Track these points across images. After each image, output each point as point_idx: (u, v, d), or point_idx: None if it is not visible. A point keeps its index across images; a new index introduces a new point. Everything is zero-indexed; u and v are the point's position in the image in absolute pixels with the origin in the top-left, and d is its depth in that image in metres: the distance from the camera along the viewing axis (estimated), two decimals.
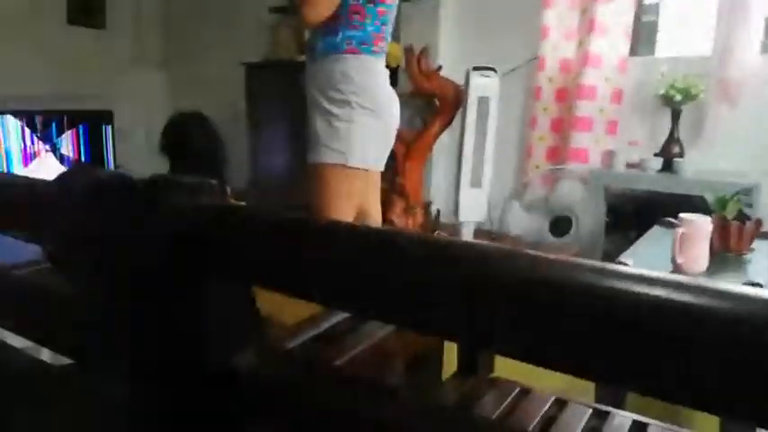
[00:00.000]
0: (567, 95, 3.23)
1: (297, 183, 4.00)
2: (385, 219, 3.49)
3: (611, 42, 3.08)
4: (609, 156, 3.04)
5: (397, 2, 1.82)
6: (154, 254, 0.53)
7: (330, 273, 0.44)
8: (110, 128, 4.65)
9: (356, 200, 1.81)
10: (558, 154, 3.27)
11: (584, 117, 3.09)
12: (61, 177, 0.57)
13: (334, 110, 1.71)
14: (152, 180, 0.56)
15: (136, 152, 4.93)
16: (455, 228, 3.45)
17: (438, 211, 3.67)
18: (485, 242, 0.47)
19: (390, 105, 1.77)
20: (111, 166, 4.71)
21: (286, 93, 3.92)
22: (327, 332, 0.80)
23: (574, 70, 3.20)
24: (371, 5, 1.68)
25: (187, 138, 1.92)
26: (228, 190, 2.05)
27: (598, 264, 0.39)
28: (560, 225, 2.52)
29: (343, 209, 1.77)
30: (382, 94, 1.74)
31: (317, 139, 1.76)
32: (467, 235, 3.36)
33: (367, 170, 1.77)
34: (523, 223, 2.61)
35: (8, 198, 0.66)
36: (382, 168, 1.85)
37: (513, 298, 0.38)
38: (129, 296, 0.57)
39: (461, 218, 3.33)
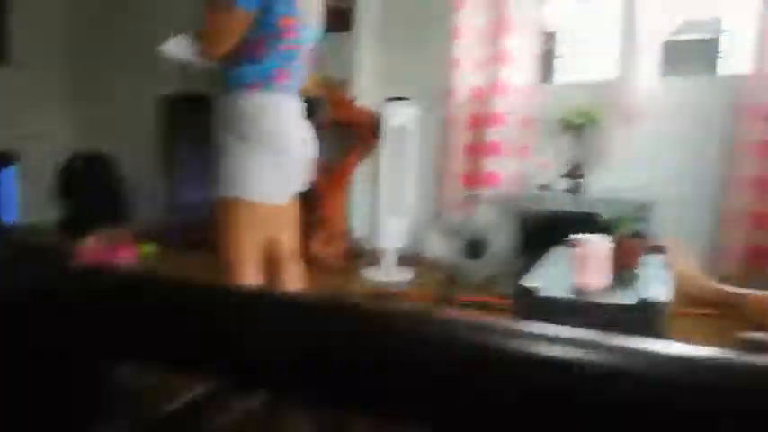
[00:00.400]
0: (479, 122, 3.35)
1: (211, 216, 3.90)
2: (308, 250, 3.46)
3: (519, 71, 3.24)
4: (520, 179, 3.17)
5: (313, 38, 1.82)
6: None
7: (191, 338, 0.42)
8: (12, 170, 4.39)
9: (261, 232, 1.78)
10: (473, 179, 3.37)
11: (495, 142, 3.21)
12: None
13: (231, 145, 1.70)
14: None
15: (43, 194, 4.67)
16: (377, 255, 3.45)
17: (359, 240, 3.67)
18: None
19: (292, 142, 1.76)
20: (14, 211, 4.43)
21: (200, 126, 3.85)
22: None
23: (484, 98, 3.32)
24: (273, 40, 1.67)
25: (84, 180, 1.86)
26: (131, 232, 1.99)
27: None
28: (475, 248, 2.58)
29: (244, 242, 1.76)
30: (282, 131, 1.73)
31: (217, 174, 1.75)
32: (388, 261, 3.37)
33: (266, 204, 1.76)
34: (442, 248, 2.66)
35: None
36: (286, 201, 1.83)
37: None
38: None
39: (382, 245, 3.35)
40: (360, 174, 3.62)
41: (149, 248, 2.11)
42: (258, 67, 1.66)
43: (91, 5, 4.75)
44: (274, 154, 1.71)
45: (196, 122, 3.92)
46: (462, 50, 3.36)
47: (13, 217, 4.44)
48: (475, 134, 3.37)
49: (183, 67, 4.14)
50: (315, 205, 3.52)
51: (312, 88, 3.72)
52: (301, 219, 3.54)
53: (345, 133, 3.59)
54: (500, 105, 3.23)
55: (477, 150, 3.35)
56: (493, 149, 3.21)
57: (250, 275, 1.78)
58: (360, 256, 3.54)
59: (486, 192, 2.99)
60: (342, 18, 3.61)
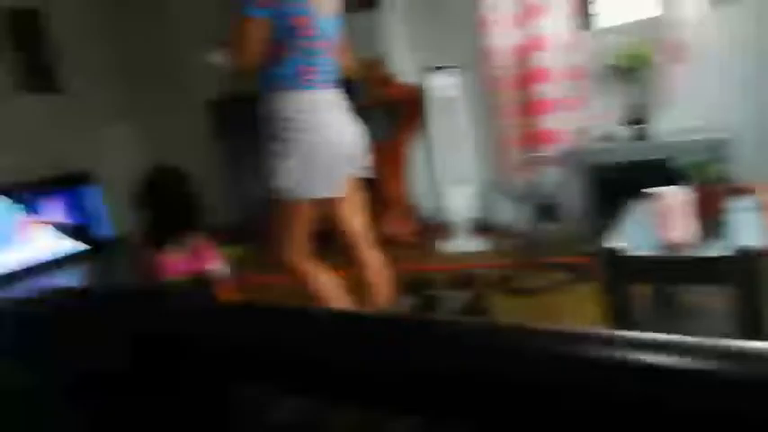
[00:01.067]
0: (525, 80, 3.26)
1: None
2: (382, 232, 3.51)
3: (556, 21, 3.12)
4: (580, 133, 3.08)
5: (334, 29, 1.86)
6: (115, 360, 0.55)
7: (326, 366, 0.46)
8: (91, 188, 4.65)
9: (307, 223, 1.88)
10: (531, 139, 3.30)
11: (546, 99, 3.12)
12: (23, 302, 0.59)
13: (272, 146, 1.78)
14: (143, 290, 0.59)
15: (119, 207, 4.92)
16: (447, 226, 3.46)
17: (428, 214, 3.70)
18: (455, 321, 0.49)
19: (331, 134, 1.80)
20: (100, 224, 4.70)
21: (247, 123, 3.93)
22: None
23: (525, 54, 3.22)
24: (291, 41, 1.71)
25: (161, 193, 1.96)
26: (211, 239, 2.08)
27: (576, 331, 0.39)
28: (546, 210, 2.55)
29: (297, 239, 1.87)
30: (317, 126, 1.77)
31: (265, 176, 1.85)
32: (460, 233, 3.37)
33: (313, 199, 1.83)
34: (511, 214, 2.64)
35: None
36: (336, 192, 1.89)
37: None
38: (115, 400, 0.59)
39: (451, 216, 3.36)
40: (415, 148, 3.62)
41: (235, 251, 2.19)
42: (283, 68, 1.72)
43: (132, 24, 4.89)
44: (313, 150, 1.76)
45: (249, 123, 4.03)
46: (494, 8, 3.26)
47: (108, 232, 4.72)
48: (523, 93, 3.29)
49: (229, 73, 4.23)
50: (378, 188, 3.56)
51: (348, 71, 3.73)
52: (369, 203, 3.60)
53: (391, 111, 3.58)
54: (543, 60, 3.13)
55: (529, 109, 3.28)
56: (545, 106, 3.13)
57: (310, 272, 1.86)
58: (432, 230, 3.56)
59: (547, 151, 2.93)
60: None
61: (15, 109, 4.49)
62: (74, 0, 4.82)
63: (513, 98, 3.31)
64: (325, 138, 1.78)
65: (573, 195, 2.54)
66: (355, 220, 1.98)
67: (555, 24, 3.12)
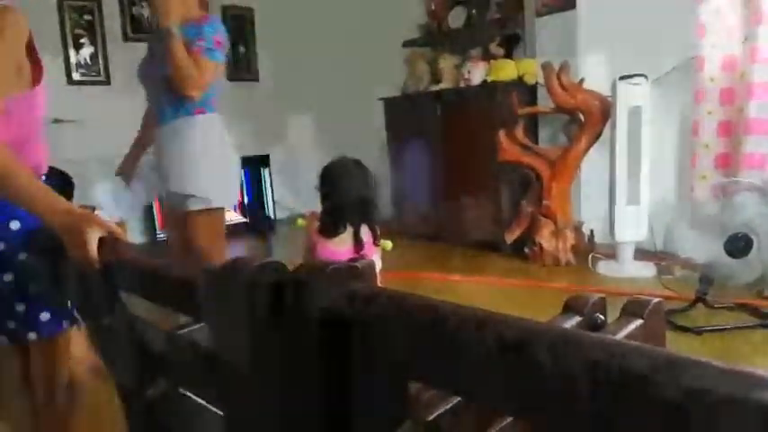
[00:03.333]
0: (735, 96, 2.89)
1: (438, 213, 4.04)
2: (533, 242, 3.37)
3: None
4: None
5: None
6: (303, 338, 0.55)
7: (489, 369, 0.42)
8: (267, 170, 5.07)
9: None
10: (728, 162, 2.92)
11: (758, 119, 2.73)
12: (225, 267, 0.61)
13: (198, 158, 2.04)
14: (302, 268, 0.59)
15: (289, 191, 5.31)
16: (612, 248, 3.22)
17: (591, 232, 3.46)
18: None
19: (231, 152, 2.17)
20: (272, 205, 5.11)
21: (424, 122, 4.00)
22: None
23: (740, 68, 2.85)
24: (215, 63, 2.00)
25: (343, 182, 2.02)
26: (378, 231, 2.13)
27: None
28: (737, 244, 2.23)
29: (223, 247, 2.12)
30: (224, 143, 2.12)
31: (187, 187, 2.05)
32: (626, 256, 3.11)
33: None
34: (692, 243, 2.35)
35: (174, 282, 0.73)
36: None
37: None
38: (278, 375, 0.59)
39: (618, 238, 3.10)
40: (589, 161, 3.40)
41: (387, 245, 2.22)
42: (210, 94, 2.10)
43: (320, 28, 5.22)
44: (228, 162, 2.10)
45: (409, 121, 4.11)
46: (710, 15, 2.93)
47: (276, 213, 5.14)
48: (730, 110, 2.92)
49: (405, 68, 4.34)
50: (539, 196, 3.40)
51: (530, 75, 3.62)
52: (527, 211, 3.46)
53: (570, 118, 3.40)
54: (762, 74, 2.74)
55: (734, 128, 2.90)
56: (756, 127, 2.74)
57: None
58: (593, 250, 3.33)
59: (746, 177, 2.57)
60: None
61: (224, 95, 5.05)
62: (278, 2, 5.29)
63: (716, 115, 2.95)
64: (230, 152, 2.14)
65: None
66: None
67: None
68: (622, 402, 0.37)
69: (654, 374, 0.35)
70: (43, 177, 1.32)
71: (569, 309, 1.07)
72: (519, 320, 0.44)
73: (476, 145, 3.68)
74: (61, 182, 2.51)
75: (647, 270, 3.03)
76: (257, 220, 5.03)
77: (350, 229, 2.04)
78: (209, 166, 2.02)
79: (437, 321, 0.48)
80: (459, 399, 0.60)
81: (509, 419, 0.76)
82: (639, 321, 1.06)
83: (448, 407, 0.62)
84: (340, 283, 0.55)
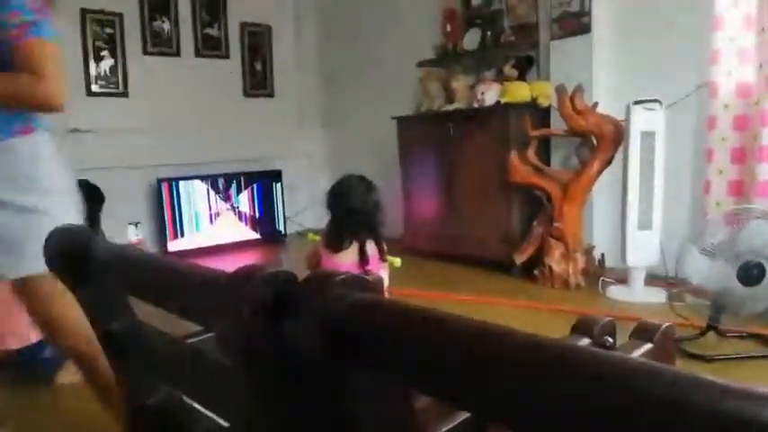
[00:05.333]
0: (749, 123, 2.88)
1: (447, 231, 4.04)
2: (543, 264, 3.36)
3: None
4: None
5: None
6: (309, 347, 0.55)
7: (496, 383, 0.42)
8: (279, 185, 5.10)
9: None
10: (742, 189, 2.91)
11: None
12: (234, 274, 0.61)
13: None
14: (311, 277, 0.59)
15: (301, 206, 5.34)
16: (622, 273, 3.19)
17: (602, 256, 3.44)
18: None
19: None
20: (282, 220, 5.13)
21: (436, 142, 4.02)
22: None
23: (754, 94, 2.85)
24: None
25: (349, 199, 2.05)
26: (384, 247, 2.13)
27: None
28: (750, 272, 2.20)
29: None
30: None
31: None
32: (637, 281, 3.09)
33: None
34: (705, 270, 2.33)
35: (185, 287, 0.73)
36: None
37: None
38: (280, 381, 0.60)
39: (629, 262, 3.08)
40: (601, 184, 3.39)
41: (396, 261, 2.23)
42: None
43: (335, 47, 5.29)
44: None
45: (422, 140, 4.13)
46: (724, 41, 2.93)
47: (285, 227, 5.16)
48: (744, 136, 2.90)
49: (419, 88, 4.37)
50: (551, 218, 3.39)
51: (544, 97, 3.63)
52: (537, 232, 3.45)
53: (582, 141, 3.40)
54: None
55: (748, 155, 2.88)
56: None
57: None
58: (603, 274, 3.31)
59: (760, 204, 2.55)
60: (577, 21, 3.44)
61: (239, 110, 5.15)
62: (295, 20, 5.38)
63: (730, 141, 2.94)
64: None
65: None
66: None
67: None
68: None
69: None
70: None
71: (578, 330, 1.06)
72: (532, 336, 0.44)
73: (487, 166, 3.69)
74: (90, 195, 2.49)
75: (657, 296, 3.00)
76: (268, 234, 5.05)
77: (355, 244, 2.06)
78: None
79: (450, 334, 0.48)
80: (466, 415, 0.60)
81: None
82: (649, 345, 1.05)
83: (455, 423, 0.62)
84: (349, 293, 0.56)
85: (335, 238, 2.07)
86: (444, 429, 0.68)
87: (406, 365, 0.52)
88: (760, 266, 2.22)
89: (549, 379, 0.39)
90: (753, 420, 0.31)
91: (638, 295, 3.04)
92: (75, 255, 0.93)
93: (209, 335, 1.09)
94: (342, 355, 0.54)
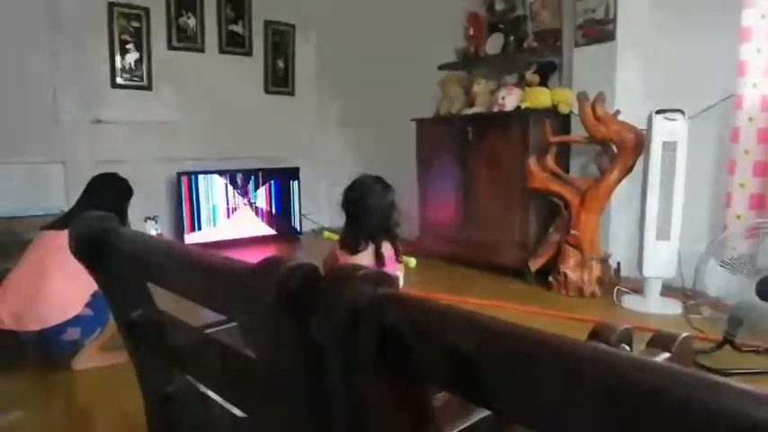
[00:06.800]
0: None
1: (463, 235, 4.03)
2: (558, 271, 3.34)
3: None
4: None
5: None
6: (331, 340, 0.56)
7: (519, 385, 0.42)
8: (296, 183, 5.13)
9: None
10: (763, 203, 2.87)
11: None
12: (259, 264, 0.62)
13: None
14: (334, 270, 0.60)
15: (317, 204, 5.36)
16: (638, 283, 3.16)
17: (618, 265, 3.41)
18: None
19: None
20: (298, 217, 5.16)
21: (455, 145, 4.02)
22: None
23: None
24: None
25: (366, 200, 2.04)
26: (400, 248, 2.13)
27: None
28: (767, 287, 2.18)
29: None
30: None
31: None
32: (653, 292, 3.06)
33: None
34: (722, 283, 2.31)
35: (208, 276, 0.74)
36: None
37: None
38: (303, 377, 0.60)
39: (646, 273, 3.05)
40: (619, 193, 3.36)
41: (411, 261, 2.23)
42: None
43: (357, 48, 5.30)
44: None
45: (440, 143, 4.13)
46: (751, 53, 2.90)
47: (298, 224, 5.19)
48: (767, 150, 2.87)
49: (439, 91, 4.37)
50: (567, 225, 3.37)
51: (564, 104, 3.61)
52: (554, 239, 3.43)
53: (602, 149, 3.37)
54: None
55: None
56: None
57: None
58: (618, 283, 3.28)
59: None
60: (602, 28, 3.42)
61: (260, 107, 5.20)
62: (319, 20, 5.41)
63: (753, 154, 2.90)
64: None
65: None
66: None
67: None
68: None
69: None
70: None
71: (595, 336, 1.06)
72: (541, 333, 0.44)
73: (506, 170, 3.68)
74: (119, 188, 2.49)
75: (673, 307, 2.97)
76: (283, 231, 5.08)
77: (371, 246, 2.06)
78: None
79: (470, 330, 0.49)
80: (482, 413, 0.60)
81: None
82: (667, 355, 1.04)
83: (473, 421, 0.62)
84: (370, 287, 0.56)
85: (351, 239, 2.07)
86: (461, 427, 0.68)
87: (431, 361, 0.52)
88: None
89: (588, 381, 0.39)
90: None
91: (654, 306, 3.01)
92: (97, 241, 0.95)
93: (229, 325, 1.10)
94: (363, 348, 0.55)
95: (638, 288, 3.16)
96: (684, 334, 0.99)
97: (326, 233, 2.42)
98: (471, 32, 4.30)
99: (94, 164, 3.87)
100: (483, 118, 3.90)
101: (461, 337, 0.48)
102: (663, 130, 2.97)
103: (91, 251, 0.95)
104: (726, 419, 0.32)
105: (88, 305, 2.22)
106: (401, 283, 2.19)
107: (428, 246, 4.21)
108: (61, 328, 2.16)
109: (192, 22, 4.76)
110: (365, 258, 2.06)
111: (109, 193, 2.44)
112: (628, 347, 0.96)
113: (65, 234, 0.98)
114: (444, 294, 3.21)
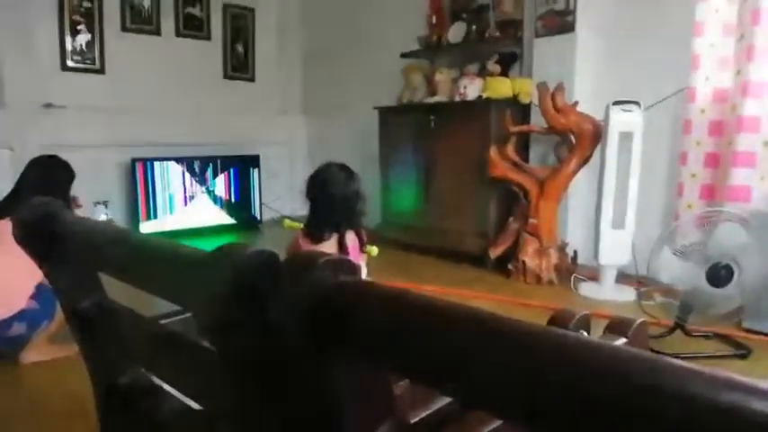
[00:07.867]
0: (724, 128, 2.94)
1: (425, 223, 4.05)
2: (517, 259, 3.39)
3: None
4: None
5: None
6: (292, 327, 0.54)
7: (477, 367, 0.41)
8: (257, 171, 5.05)
9: None
10: (714, 192, 2.97)
11: (746, 152, 2.78)
12: (216, 251, 0.60)
13: None
14: (295, 256, 0.58)
15: (278, 192, 5.29)
16: (594, 270, 3.24)
17: (575, 253, 3.48)
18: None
19: None
20: (258, 206, 5.08)
21: (417, 133, 4.02)
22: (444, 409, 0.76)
23: (731, 101, 2.90)
24: None
25: (329, 188, 2.00)
26: (365, 238, 2.11)
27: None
28: (719, 274, 2.26)
29: None
30: None
31: None
32: (608, 279, 3.14)
33: None
34: (674, 270, 2.38)
35: (161, 264, 0.71)
36: None
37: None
38: (262, 366, 0.58)
39: (602, 260, 3.13)
40: (577, 183, 3.43)
41: (373, 250, 2.22)
42: None
43: (319, 34, 5.23)
44: None
45: (403, 131, 4.13)
46: (704, 47, 2.98)
47: (260, 213, 5.11)
48: (719, 141, 2.96)
49: (401, 79, 4.36)
50: (526, 213, 3.43)
51: (525, 94, 3.65)
52: (513, 227, 3.48)
53: (561, 139, 3.43)
54: (751, 108, 2.79)
55: (721, 159, 2.94)
56: (742, 159, 2.79)
57: None
58: (574, 271, 3.36)
59: (732, 208, 2.61)
60: (562, 20, 3.46)
61: (218, 93, 5.07)
62: (279, 4, 5.30)
63: (704, 146, 3.00)
64: None
65: (755, 262, 2.23)
66: None
67: None
68: None
69: None
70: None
71: (555, 323, 1.07)
72: (518, 323, 0.43)
73: (467, 159, 3.70)
74: (60, 171, 2.38)
75: (627, 294, 3.05)
76: (243, 219, 5.00)
77: (335, 235, 2.03)
78: None
79: (431, 318, 0.48)
80: (447, 400, 0.60)
81: (497, 423, 0.75)
82: (623, 340, 1.06)
83: (434, 409, 0.62)
84: (332, 274, 0.55)
85: (315, 228, 2.04)
86: (422, 415, 0.67)
87: (391, 349, 0.51)
88: (728, 268, 2.28)
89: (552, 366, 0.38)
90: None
91: (609, 293, 3.09)
92: (42, 228, 0.90)
93: (183, 316, 1.07)
94: (324, 335, 0.53)
95: (593, 275, 3.24)
96: (640, 320, 1.01)
97: (287, 222, 2.39)
98: (434, 20, 4.29)
99: (44, 149, 3.70)
100: (445, 107, 3.91)
101: (420, 324, 0.47)
102: (619, 121, 3.04)
103: (37, 238, 0.90)
104: (689, 401, 0.33)
105: (33, 297, 2.12)
106: (364, 273, 2.17)
107: (389, 234, 4.21)
108: (6, 324, 2.06)
109: (147, 3, 4.60)
110: (328, 247, 2.03)
111: (49, 176, 2.33)
112: (586, 333, 0.97)
113: (4, 223, 0.93)
114: (404, 282, 3.22)
